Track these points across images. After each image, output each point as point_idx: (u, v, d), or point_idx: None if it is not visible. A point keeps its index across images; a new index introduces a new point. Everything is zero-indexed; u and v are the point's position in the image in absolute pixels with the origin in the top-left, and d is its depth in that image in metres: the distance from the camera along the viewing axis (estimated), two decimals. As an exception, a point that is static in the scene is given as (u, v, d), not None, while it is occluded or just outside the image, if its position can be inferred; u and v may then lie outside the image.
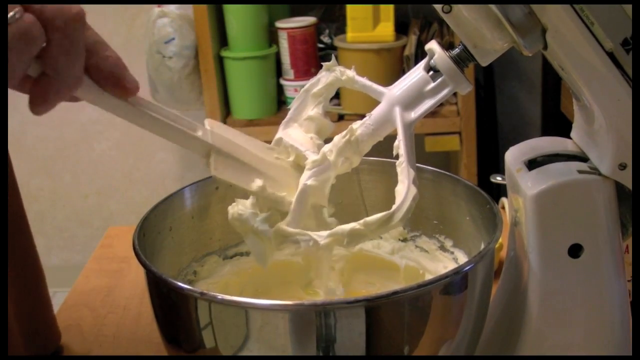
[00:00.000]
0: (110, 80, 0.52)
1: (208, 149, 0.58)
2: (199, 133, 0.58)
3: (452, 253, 0.69)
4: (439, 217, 0.70)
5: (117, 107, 0.54)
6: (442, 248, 0.70)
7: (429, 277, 0.69)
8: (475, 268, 0.55)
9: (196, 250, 0.70)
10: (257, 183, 0.59)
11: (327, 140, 0.62)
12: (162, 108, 0.56)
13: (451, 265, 0.68)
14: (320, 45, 1.88)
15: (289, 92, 1.89)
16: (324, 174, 0.60)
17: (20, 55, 0.46)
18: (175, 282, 0.53)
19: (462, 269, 0.54)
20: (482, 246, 0.59)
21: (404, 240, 0.73)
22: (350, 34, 1.76)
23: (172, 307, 0.56)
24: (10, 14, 0.45)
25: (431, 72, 0.58)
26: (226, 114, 1.92)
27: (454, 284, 0.54)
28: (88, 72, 0.52)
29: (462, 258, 0.68)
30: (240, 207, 0.60)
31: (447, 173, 0.68)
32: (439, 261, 0.70)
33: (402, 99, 0.59)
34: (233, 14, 1.82)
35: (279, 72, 1.89)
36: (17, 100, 0.54)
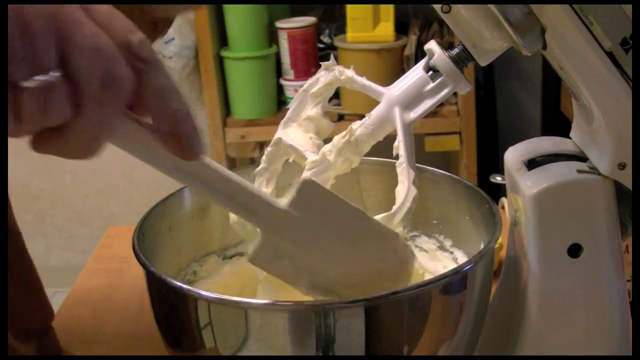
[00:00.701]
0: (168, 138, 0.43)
1: (279, 230, 0.50)
2: (281, 204, 0.49)
3: (452, 253, 0.69)
4: (438, 217, 0.70)
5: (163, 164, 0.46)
6: (442, 248, 0.70)
7: (428, 277, 0.69)
8: (475, 268, 0.55)
9: (195, 250, 0.70)
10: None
11: (327, 141, 0.62)
12: (225, 175, 0.47)
13: (451, 265, 0.68)
14: (320, 45, 1.88)
15: (289, 92, 1.89)
16: (324, 175, 0.60)
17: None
18: (175, 282, 0.53)
19: (461, 269, 0.54)
20: (482, 246, 0.59)
21: (404, 240, 0.73)
22: (350, 34, 1.76)
23: (171, 307, 0.56)
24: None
25: (430, 72, 0.58)
26: (226, 114, 1.92)
27: (454, 283, 0.54)
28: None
29: (462, 258, 0.68)
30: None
31: (447, 173, 0.68)
32: (438, 261, 0.70)
33: (401, 99, 0.59)
34: (233, 14, 1.82)
35: (279, 72, 1.89)
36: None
